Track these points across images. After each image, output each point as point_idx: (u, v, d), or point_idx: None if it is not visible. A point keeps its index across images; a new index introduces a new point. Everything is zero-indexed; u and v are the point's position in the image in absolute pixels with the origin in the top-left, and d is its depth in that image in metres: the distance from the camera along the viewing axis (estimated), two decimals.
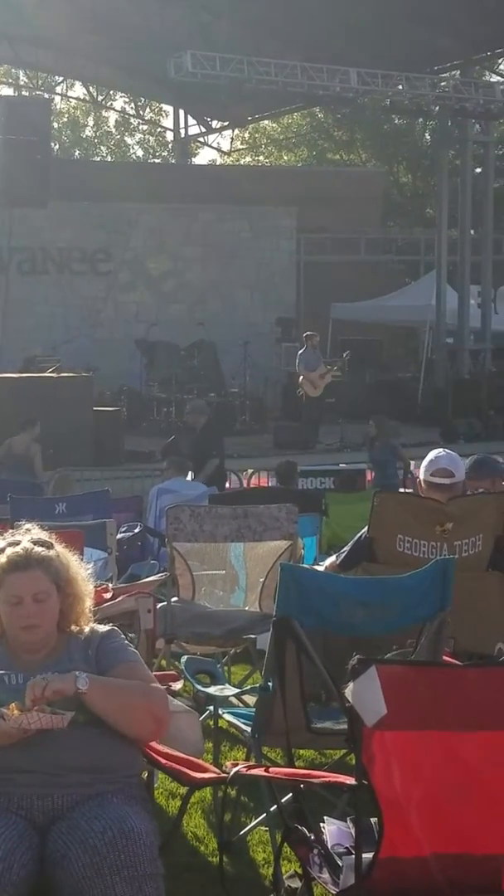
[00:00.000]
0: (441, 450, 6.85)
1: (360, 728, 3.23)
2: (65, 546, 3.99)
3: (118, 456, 18.95)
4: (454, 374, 26.42)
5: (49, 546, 3.89)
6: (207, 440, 14.70)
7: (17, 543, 3.86)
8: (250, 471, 16.27)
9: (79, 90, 44.47)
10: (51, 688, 3.54)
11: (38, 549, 3.84)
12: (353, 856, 3.33)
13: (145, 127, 50.42)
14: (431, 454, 6.74)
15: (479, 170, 29.62)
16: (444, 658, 4.81)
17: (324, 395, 22.06)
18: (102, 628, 3.93)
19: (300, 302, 30.36)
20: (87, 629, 3.90)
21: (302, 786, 4.05)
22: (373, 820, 3.31)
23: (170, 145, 46.28)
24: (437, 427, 22.92)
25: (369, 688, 3.20)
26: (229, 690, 5.43)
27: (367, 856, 3.27)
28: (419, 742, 3.25)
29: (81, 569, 3.98)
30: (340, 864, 3.45)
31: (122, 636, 3.93)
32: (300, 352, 22.30)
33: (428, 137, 44.55)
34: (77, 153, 49.01)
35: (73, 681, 3.58)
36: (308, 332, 22.67)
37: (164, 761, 3.88)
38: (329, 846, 3.60)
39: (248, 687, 5.63)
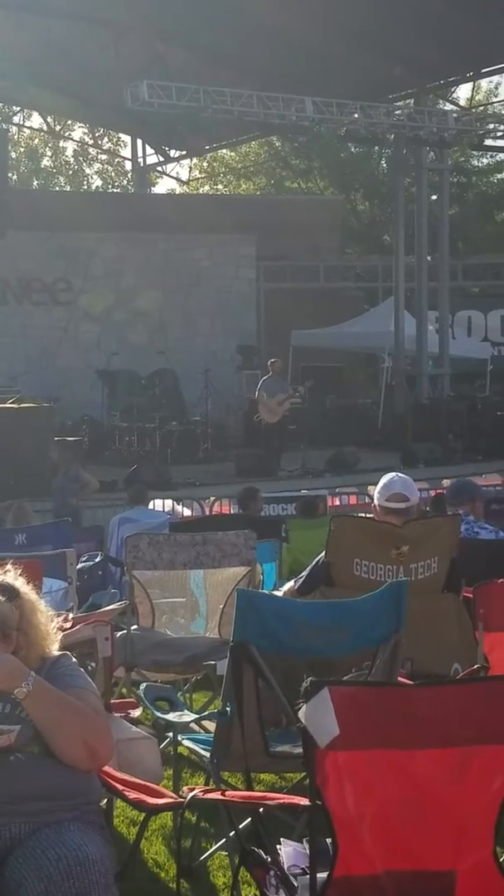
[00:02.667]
0: (395, 474, 6.92)
1: (314, 749, 3.27)
2: (28, 585, 4.00)
3: None
4: (413, 399, 26.57)
5: (12, 595, 3.91)
6: None
7: None
8: (212, 498, 16.31)
9: (36, 120, 44.61)
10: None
11: None
12: (308, 876, 3.37)
13: (104, 157, 50.55)
14: (385, 478, 6.82)
15: (434, 197, 29.86)
16: (399, 679, 4.86)
17: (284, 421, 22.10)
18: (55, 653, 3.94)
19: (260, 329, 30.45)
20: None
21: (261, 809, 4.10)
22: (328, 840, 3.35)
23: (129, 175, 46.40)
24: (397, 452, 23.02)
25: (322, 709, 3.25)
26: (188, 717, 5.46)
27: (322, 875, 3.31)
28: (371, 761, 3.30)
29: (44, 614, 3.99)
30: (296, 885, 3.49)
31: (74, 661, 3.94)
32: (263, 378, 22.35)
33: (384, 165, 44.85)
34: (35, 183, 49.04)
35: (22, 678, 3.61)
36: (272, 360, 22.74)
37: (121, 788, 3.91)
38: (286, 867, 3.63)
39: (207, 713, 5.65)
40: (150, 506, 15.14)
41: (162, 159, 39.26)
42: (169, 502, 16.05)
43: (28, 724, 3.64)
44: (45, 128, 45.44)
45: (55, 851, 3.45)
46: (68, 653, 3.97)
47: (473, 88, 39.50)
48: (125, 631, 6.78)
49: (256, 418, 22.01)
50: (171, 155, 38.78)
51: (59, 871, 3.40)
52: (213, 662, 6.62)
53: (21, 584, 3.98)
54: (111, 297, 28.82)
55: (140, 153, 39.05)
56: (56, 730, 3.63)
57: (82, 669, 3.97)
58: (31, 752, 3.60)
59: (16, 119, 43.89)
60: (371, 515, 7.02)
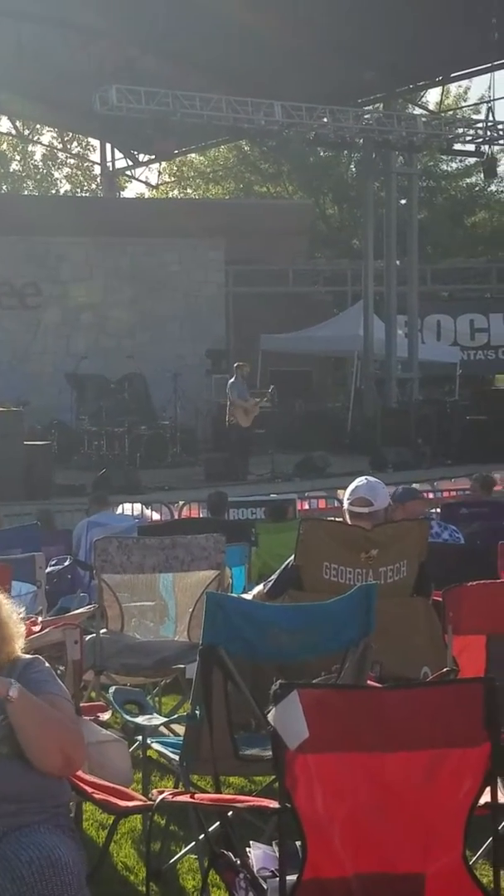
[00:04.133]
0: (363, 478, 6.93)
1: (283, 752, 3.28)
2: None
3: (49, 490, 18.88)
4: (382, 403, 26.62)
5: None
6: None
7: None
8: (181, 502, 16.30)
9: (5, 124, 44.51)
10: None
11: None
12: (278, 879, 3.37)
13: (73, 161, 50.50)
14: (353, 483, 6.83)
15: (403, 201, 29.94)
16: (368, 682, 4.87)
17: (252, 425, 22.12)
18: (26, 657, 3.91)
19: (229, 333, 30.45)
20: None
21: (230, 813, 4.10)
22: (297, 843, 3.35)
23: (97, 179, 46.37)
24: (366, 456, 23.06)
25: (291, 711, 3.25)
26: (157, 720, 5.45)
27: (292, 878, 3.31)
28: (341, 764, 3.30)
29: (13, 612, 3.98)
30: (266, 888, 3.49)
31: (47, 666, 3.93)
32: (230, 381, 22.36)
33: (353, 169, 44.97)
34: (4, 187, 48.92)
35: (7, 686, 3.61)
36: (238, 363, 22.76)
37: (90, 790, 3.90)
38: (255, 870, 3.63)
39: (177, 716, 5.64)
40: (119, 509, 15.15)
41: (131, 164, 39.29)
42: (138, 506, 16.03)
43: (5, 739, 3.63)
44: (13, 132, 45.32)
45: (27, 853, 3.44)
46: (40, 657, 3.96)
47: (442, 92, 39.75)
48: (94, 634, 6.77)
49: (230, 420, 21.99)
50: (141, 159, 38.82)
51: (32, 872, 3.39)
52: (182, 666, 6.62)
53: None
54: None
55: (109, 157, 39.03)
56: (35, 739, 3.62)
57: (55, 674, 3.95)
58: (1, 753, 3.59)
59: None
60: (340, 519, 7.04)
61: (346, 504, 6.76)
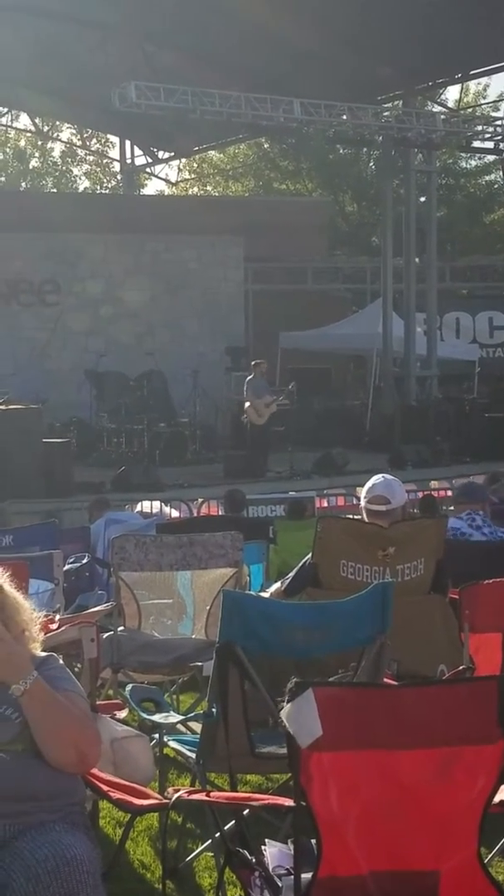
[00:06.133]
0: (381, 476, 6.94)
1: (298, 749, 3.28)
2: (13, 584, 4.00)
3: (68, 487, 18.92)
4: (401, 401, 26.60)
5: None
6: None
7: None
8: (200, 500, 16.31)
9: (25, 121, 44.58)
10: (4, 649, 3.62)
11: None
12: (293, 877, 3.38)
13: (92, 158, 50.55)
14: (370, 481, 6.84)
15: (423, 199, 29.91)
16: (385, 680, 4.87)
17: (271, 422, 22.13)
18: (40, 654, 3.91)
19: (249, 331, 30.45)
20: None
21: (246, 811, 4.10)
22: (312, 840, 3.35)
23: (117, 176, 46.40)
24: (385, 453, 23.05)
25: (305, 709, 3.25)
26: (174, 718, 5.45)
27: (307, 876, 3.31)
28: (356, 762, 3.30)
29: (28, 610, 3.99)
30: (281, 886, 3.49)
31: (61, 663, 3.94)
32: (248, 378, 22.39)
33: (372, 167, 44.92)
34: (24, 184, 49.01)
35: (25, 674, 3.63)
36: (256, 360, 22.77)
37: (106, 788, 3.90)
38: (270, 868, 3.64)
39: (194, 714, 5.65)
40: (138, 507, 15.18)
41: (150, 161, 39.28)
42: (157, 503, 16.05)
43: (13, 721, 3.64)
44: (32, 129, 45.40)
45: (43, 852, 3.44)
46: (54, 654, 3.97)
47: (462, 90, 39.68)
48: (112, 632, 6.78)
49: (244, 419, 22.03)
50: (160, 156, 38.80)
51: (47, 871, 3.39)
52: (199, 664, 6.62)
53: (4, 581, 3.98)
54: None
55: (128, 154, 39.05)
56: (49, 732, 3.62)
57: (69, 671, 3.96)
58: (16, 751, 3.60)
59: (3, 120, 43.84)
60: (359, 517, 7.04)
61: (363, 502, 6.77)
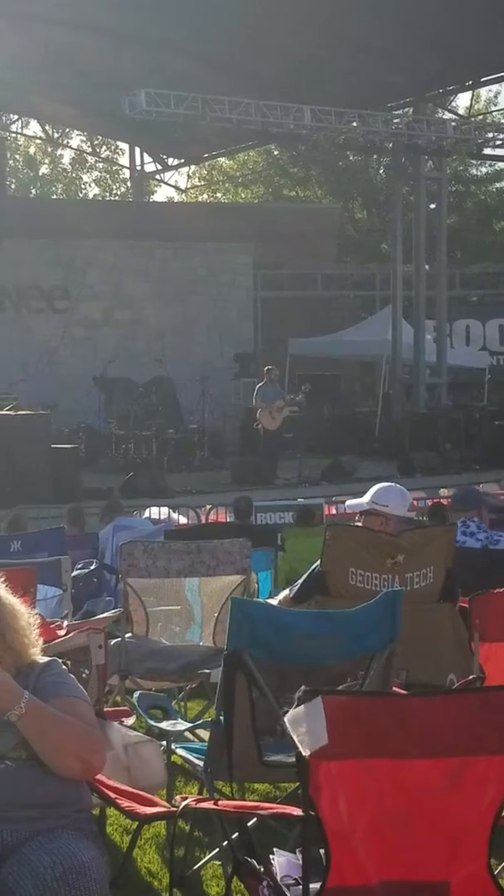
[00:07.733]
0: (388, 484, 6.95)
1: (307, 758, 3.25)
2: (9, 591, 3.98)
3: (76, 493, 18.90)
4: (411, 408, 26.58)
5: None
6: None
7: None
8: (208, 506, 16.30)
9: (34, 128, 44.62)
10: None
11: None
12: (301, 886, 3.35)
13: (101, 164, 50.59)
14: (373, 488, 6.89)
15: (433, 206, 29.89)
16: (394, 689, 4.85)
17: (281, 429, 22.13)
18: (43, 659, 3.89)
19: (257, 338, 30.47)
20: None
21: (254, 819, 4.07)
22: (321, 850, 3.33)
23: (126, 183, 46.44)
24: (394, 461, 23.02)
25: (312, 718, 3.23)
26: (182, 725, 5.44)
27: (315, 886, 3.29)
28: (364, 771, 3.27)
29: (26, 616, 3.96)
30: None
31: (64, 668, 3.92)
32: (258, 385, 22.40)
33: (382, 174, 44.91)
34: (34, 191, 49.06)
35: (16, 700, 3.60)
36: (268, 367, 22.78)
37: (113, 796, 3.88)
38: (278, 878, 3.61)
39: (201, 721, 5.62)
40: (146, 513, 15.16)
41: (160, 167, 39.32)
42: (165, 510, 16.03)
43: (13, 730, 3.62)
44: (42, 136, 45.45)
45: (50, 858, 3.43)
46: (57, 659, 3.95)
47: (472, 97, 39.64)
48: (119, 639, 6.76)
49: (256, 425, 22.02)
50: (170, 163, 38.84)
51: (55, 877, 3.38)
52: (207, 671, 6.59)
53: (1, 588, 3.96)
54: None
55: (138, 161, 39.10)
56: (50, 747, 3.61)
57: (73, 676, 3.94)
58: (19, 758, 3.58)
59: (14, 127, 43.89)
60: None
61: (364, 505, 6.79)
